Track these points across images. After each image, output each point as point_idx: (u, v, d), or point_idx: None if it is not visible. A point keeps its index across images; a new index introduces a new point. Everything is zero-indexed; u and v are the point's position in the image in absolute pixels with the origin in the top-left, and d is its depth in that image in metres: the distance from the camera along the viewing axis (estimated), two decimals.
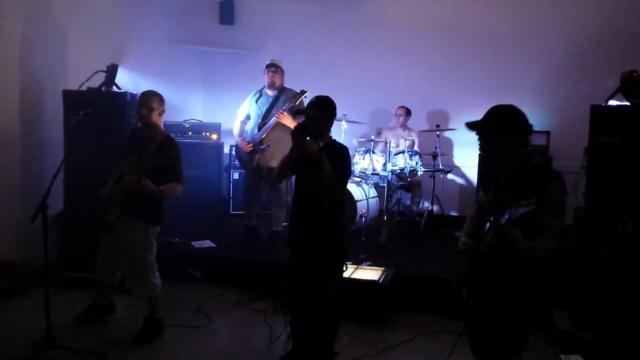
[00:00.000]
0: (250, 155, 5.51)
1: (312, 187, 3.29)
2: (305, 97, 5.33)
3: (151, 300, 3.98)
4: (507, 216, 2.44)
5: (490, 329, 2.78)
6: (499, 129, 2.62)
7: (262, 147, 5.43)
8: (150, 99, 3.93)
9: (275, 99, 5.52)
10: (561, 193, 2.59)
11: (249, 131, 5.59)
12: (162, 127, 4.10)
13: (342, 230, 3.47)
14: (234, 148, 5.85)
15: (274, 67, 5.49)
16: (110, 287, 4.22)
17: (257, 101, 5.58)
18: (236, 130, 5.71)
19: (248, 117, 5.66)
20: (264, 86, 5.61)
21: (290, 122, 5.30)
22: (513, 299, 2.66)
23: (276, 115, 5.31)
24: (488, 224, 2.77)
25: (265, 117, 5.47)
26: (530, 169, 2.65)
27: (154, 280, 3.95)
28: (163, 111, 3.98)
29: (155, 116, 3.91)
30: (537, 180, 2.57)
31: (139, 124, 4.03)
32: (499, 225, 2.47)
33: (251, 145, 5.47)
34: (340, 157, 3.37)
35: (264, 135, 5.43)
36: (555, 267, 2.73)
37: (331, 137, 3.47)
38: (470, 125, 2.67)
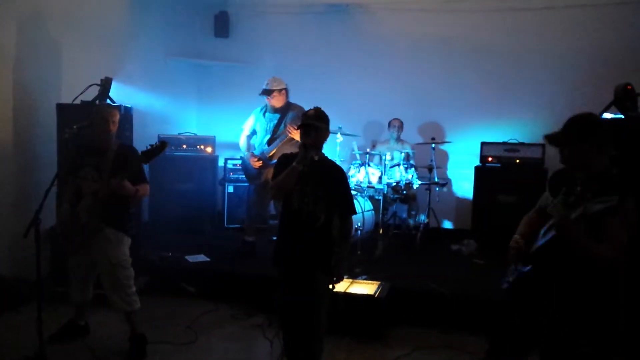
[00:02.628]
0: (258, 170, 5.50)
1: (308, 204, 3.23)
2: None
3: (132, 315, 3.92)
4: (577, 213, 2.49)
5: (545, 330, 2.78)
6: (579, 139, 2.63)
7: (273, 162, 5.40)
8: (106, 110, 3.97)
9: (282, 115, 5.52)
10: (636, 211, 2.57)
11: (256, 146, 5.58)
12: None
13: (332, 248, 3.36)
14: (241, 161, 5.84)
15: (266, 94, 5.48)
16: (87, 306, 4.15)
17: (264, 115, 5.58)
18: (243, 145, 5.72)
19: (254, 132, 5.66)
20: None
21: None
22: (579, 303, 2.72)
23: (288, 130, 5.30)
24: (546, 226, 2.78)
25: (274, 132, 5.46)
26: (609, 179, 2.63)
27: (134, 292, 3.91)
28: (117, 121, 3.95)
29: (111, 126, 3.88)
30: (615, 188, 2.55)
31: (89, 136, 3.94)
32: (565, 219, 2.50)
33: (260, 161, 5.46)
34: (343, 182, 3.38)
35: (274, 151, 5.41)
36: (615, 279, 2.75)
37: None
38: (551, 139, 2.73)
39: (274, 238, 3.58)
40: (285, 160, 3.37)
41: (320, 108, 3.39)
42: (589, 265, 2.61)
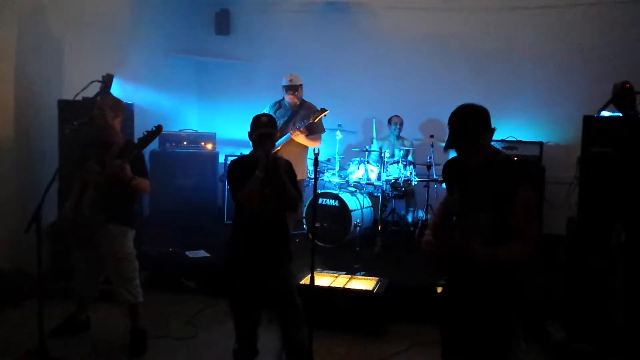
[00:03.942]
0: None
1: (268, 204, 3.33)
2: (325, 115, 5.34)
3: (136, 307, 3.95)
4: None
5: (472, 335, 2.75)
6: (471, 129, 2.59)
7: None
8: (102, 100, 4.00)
9: (294, 113, 5.51)
10: (533, 193, 2.51)
11: None
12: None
13: (289, 237, 3.65)
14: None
15: (292, 90, 5.47)
16: (89, 302, 4.17)
17: (275, 112, 5.56)
18: None
19: None
20: (284, 98, 5.61)
21: (303, 140, 5.30)
22: (492, 300, 2.63)
23: (290, 133, 5.31)
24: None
25: (282, 129, 5.43)
26: (498, 164, 2.59)
27: (139, 285, 3.95)
28: (119, 114, 3.95)
29: (112, 119, 3.89)
30: (505, 177, 2.51)
31: (92, 130, 3.96)
32: (472, 250, 2.42)
33: None
34: (294, 176, 3.52)
35: (278, 148, 5.39)
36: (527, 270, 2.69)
37: None
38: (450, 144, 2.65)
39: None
40: (236, 167, 3.46)
41: (270, 114, 3.53)
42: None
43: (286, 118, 5.50)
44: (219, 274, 4.21)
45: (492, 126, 2.62)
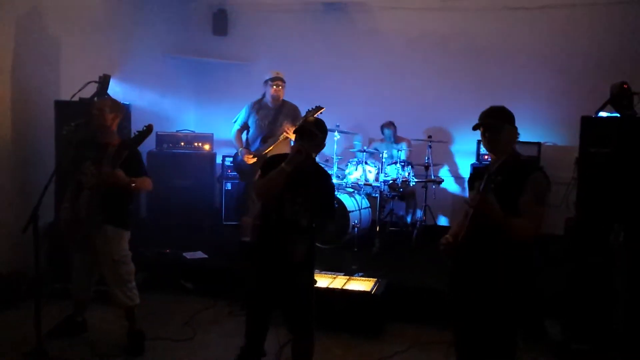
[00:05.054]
0: (252, 167, 5.37)
1: (298, 211, 3.22)
2: (321, 113, 5.32)
3: (132, 310, 3.94)
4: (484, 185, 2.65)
5: (478, 334, 2.81)
6: (503, 121, 2.91)
7: None
8: (99, 101, 4.00)
9: (277, 112, 5.44)
10: (545, 182, 2.77)
11: (250, 142, 5.53)
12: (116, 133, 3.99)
13: (315, 247, 3.46)
14: (232, 158, 5.80)
15: (280, 82, 5.39)
16: (87, 304, 4.15)
17: (257, 112, 5.49)
18: (237, 140, 5.62)
19: (245, 127, 5.60)
20: (263, 97, 5.52)
21: (294, 138, 5.26)
22: (496, 294, 2.74)
23: (285, 130, 5.27)
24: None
25: (271, 129, 5.40)
26: (516, 163, 2.85)
27: (135, 287, 3.94)
28: (118, 115, 3.95)
29: (111, 120, 3.88)
30: (522, 170, 2.79)
31: (89, 131, 3.96)
32: (479, 193, 2.66)
33: (255, 157, 5.41)
34: (328, 192, 3.40)
35: (270, 149, 5.35)
36: (532, 260, 2.84)
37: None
38: (484, 121, 2.96)
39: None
40: (273, 161, 3.35)
41: (322, 120, 3.41)
42: (506, 240, 2.69)
43: (270, 118, 5.43)
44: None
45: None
